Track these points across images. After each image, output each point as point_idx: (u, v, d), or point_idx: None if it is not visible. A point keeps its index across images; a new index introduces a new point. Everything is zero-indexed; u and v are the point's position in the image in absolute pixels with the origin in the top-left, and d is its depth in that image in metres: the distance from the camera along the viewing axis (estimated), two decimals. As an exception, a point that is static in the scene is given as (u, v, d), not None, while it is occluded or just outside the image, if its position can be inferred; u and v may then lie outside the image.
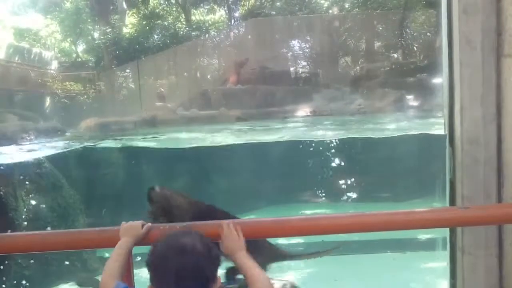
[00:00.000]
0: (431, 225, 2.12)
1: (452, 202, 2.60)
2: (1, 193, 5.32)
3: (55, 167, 6.79)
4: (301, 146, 8.79)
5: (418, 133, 8.39)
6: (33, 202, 6.00)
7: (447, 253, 2.75)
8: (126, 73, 21.29)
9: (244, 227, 2.09)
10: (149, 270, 1.73)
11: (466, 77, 2.44)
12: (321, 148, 8.52)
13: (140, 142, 10.06)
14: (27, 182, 6.15)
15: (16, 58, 20.15)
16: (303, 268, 6.50)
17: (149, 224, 2.06)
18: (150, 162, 8.11)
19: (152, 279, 1.72)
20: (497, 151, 2.45)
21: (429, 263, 6.13)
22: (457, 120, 2.51)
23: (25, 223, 5.84)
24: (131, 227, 2.04)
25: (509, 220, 2.24)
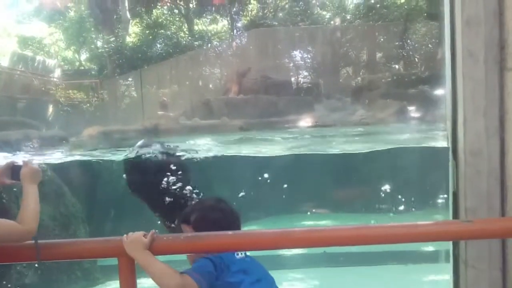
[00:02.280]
0: (435, 238, 2.11)
1: (456, 214, 2.60)
2: (4, 200, 5.34)
3: (58, 175, 6.80)
4: (302, 156, 8.80)
5: (420, 146, 8.41)
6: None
7: (450, 266, 2.74)
8: (129, 82, 21.40)
9: (247, 238, 2.10)
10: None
11: (469, 89, 2.44)
12: (322, 159, 8.52)
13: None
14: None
15: (20, 66, 20.26)
16: (302, 280, 6.47)
17: (152, 233, 2.04)
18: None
19: None
20: (500, 164, 2.45)
21: (431, 275, 6.09)
22: (460, 133, 2.51)
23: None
24: (134, 241, 1.99)
25: (513, 234, 2.23)
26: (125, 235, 2.03)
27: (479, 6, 2.33)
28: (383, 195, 8.21)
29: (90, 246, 2.18)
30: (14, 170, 2.12)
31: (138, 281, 2.06)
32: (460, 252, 2.57)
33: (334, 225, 2.24)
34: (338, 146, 9.17)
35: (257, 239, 2.06)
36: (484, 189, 2.45)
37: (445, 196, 2.87)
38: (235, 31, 22.88)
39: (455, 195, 2.59)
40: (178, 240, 2.04)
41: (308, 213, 8.63)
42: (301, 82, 19.00)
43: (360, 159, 8.28)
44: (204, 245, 2.04)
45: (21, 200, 2.04)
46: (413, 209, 7.80)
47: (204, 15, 24.00)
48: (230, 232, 2.10)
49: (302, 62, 20.18)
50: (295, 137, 10.73)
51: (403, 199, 7.93)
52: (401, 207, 7.98)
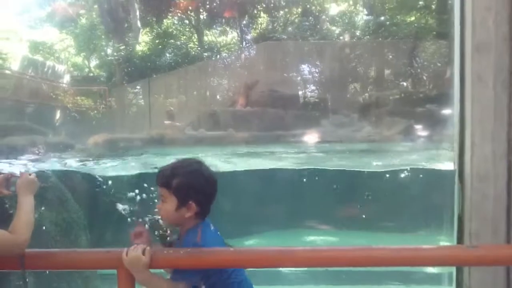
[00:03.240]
0: (438, 263, 2.09)
1: (460, 238, 2.57)
2: (7, 205, 5.35)
3: (61, 181, 6.82)
4: (307, 172, 8.78)
5: (426, 168, 8.38)
6: (37, 216, 5.99)
7: (453, 291, 2.70)
8: (137, 90, 21.54)
9: (248, 255, 2.08)
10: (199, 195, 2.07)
11: (477, 113, 2.44)
12: (327, 175, 8.49)
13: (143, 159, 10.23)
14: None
15: (30, 71, 20.45)
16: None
17: (149, 250, 2.00)
18: (154, 184, 8.12)
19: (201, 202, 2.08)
20: (507, 189, 2.43)
21: (434, 298, 6.00)
22: (467, 156, 2.50)
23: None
24: (133, 261, 1.96)
25: (518, 262, 2.20)
26: (125, 249, 2.01)
27: (490, 32, 2.34)
28: (387, 213, 8.16)
29: (90, 257, 2.18)
30: (12, 180, 2.12)
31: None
32: (463, 278, 2.54)
33: (338, 246, 2.20)
34: (344, 163, 9.15)
35: (259, 256, 2.04)
36: (489, 214, 2.43)
37: (450, 217, 2.84)
38: (244, 43, 23.04)
39: (460, 219, 2.57)
40: (177, 255, 2.03)
41: (312, 228, 8.58)
42: (309, 97, 19.04)
43: (365, 177, 8.24)
44: (205, 260, 2.03)
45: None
46: (417, 229, 7.74)
47: (214, 26, 24.21)
48: (231, 249, 2.08)
49: (310, 77, 20.24)
50: (301, 151, 10.71)
51: (407, 219, 7.87)
52: (405, 226, 7.92)
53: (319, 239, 8.39)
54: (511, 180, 2.43)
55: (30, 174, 2.08)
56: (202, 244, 2.03)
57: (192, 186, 2.07)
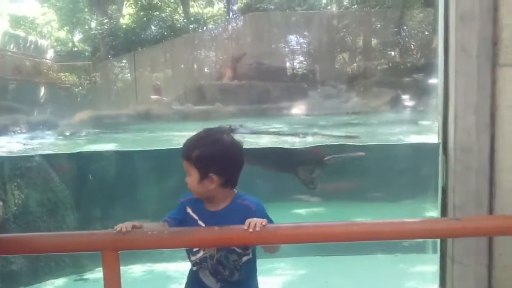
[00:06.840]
0: (423, 235, 2.12)
1: (444, 210, 2.59)
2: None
3: (46, 161, 6.76)
4: (295, 146, 8.81)
5: (411, 142, 8.47)
6: (23, 196, 5.98)
7: (437, 260, 2.75)
8: (122, 64, 21.20)
9: (232, 234, 2.06)
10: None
11: (461, 84, 2.41)
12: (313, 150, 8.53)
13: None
14: (17, 176, 6.13)
15: (12, 46, 19.94)
16: (291, 269, 6.47)
17: (137, 226, 1.99)
18: (142, 160, 8.09)
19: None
20: (490, 161, 2.44)
21: (420, 266, 6.14)
22: (450, 128, 2.49)
23: (14, 217, 5.81)
24: None
25: (501, 233, 2.23)
26: (117, 225, 1.99)
27: (474, 1, 2.29)
28: (374, 185, 8.25)
29: (74, 240, 2.15)
30: None
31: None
32: (447, 248, 2.58)
33: (321, 222, 2.20)
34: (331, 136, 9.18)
35: (242, 234, 2.02)
36: (473, 186, 2.44)
37: (434, 187, 2.87)
38: (231, 14, 22.63)
39: (444, 191, 2.58)
40: (162, 235, 2.02)
41: (301, 201, 8.65)
42: (297, 68, 18.91)
43: (350, 150, 8.26)
44: (188, 240, 2.02)
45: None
46: (402, 199, 7.86)
47: (200, -3, 23.72)
48: (216, 228, 2.06)
49: (298, 48, 20.04)
50: (287, 124, 10.70)
51: (393, 190, 7.97)
52: (391, 197, 8.03)
53: (309, 212, 8.48)
54: (494, 152, 2.43)
55: None
56: (258, 207, 2.11)
57: (211, 157, 2.01)
